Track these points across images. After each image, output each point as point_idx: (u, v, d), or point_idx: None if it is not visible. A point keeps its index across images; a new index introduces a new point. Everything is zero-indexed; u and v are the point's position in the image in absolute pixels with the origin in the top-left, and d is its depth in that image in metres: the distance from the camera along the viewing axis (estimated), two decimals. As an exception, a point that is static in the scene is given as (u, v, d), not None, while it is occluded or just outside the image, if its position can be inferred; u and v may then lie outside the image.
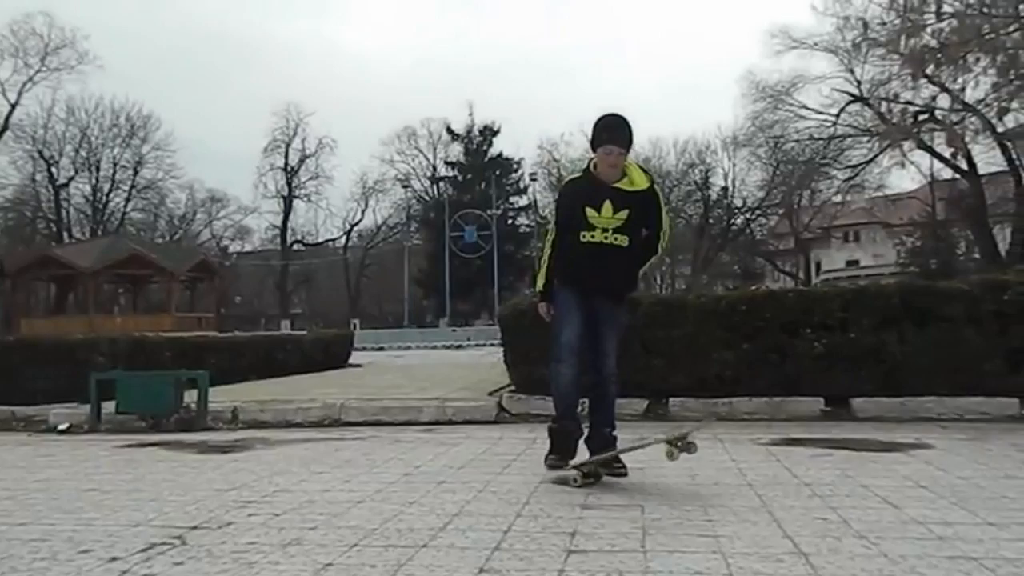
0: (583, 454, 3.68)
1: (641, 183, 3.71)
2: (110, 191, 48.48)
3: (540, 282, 3.90)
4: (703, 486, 3.46)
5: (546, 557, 2.42)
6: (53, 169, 45.64)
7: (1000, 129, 23.78)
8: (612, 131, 3.68)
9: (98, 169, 47.59)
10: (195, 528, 2.92)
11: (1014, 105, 20.42)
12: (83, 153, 46.97)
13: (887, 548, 2.42)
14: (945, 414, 5.55)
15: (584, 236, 3.65)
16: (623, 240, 3.67)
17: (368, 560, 2.45)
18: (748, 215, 47.60)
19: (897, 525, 2.70)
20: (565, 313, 3.74)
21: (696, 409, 5.93)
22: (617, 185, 3.67)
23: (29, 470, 4.53)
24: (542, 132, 68.01)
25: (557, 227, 3.84)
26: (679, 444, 3.41)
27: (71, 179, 46.89)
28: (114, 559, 2.53)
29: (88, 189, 47.89)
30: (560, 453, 3.69)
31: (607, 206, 3.63)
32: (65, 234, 45.98)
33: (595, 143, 3.70)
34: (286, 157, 54.86)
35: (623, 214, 3.64)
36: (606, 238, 3.65)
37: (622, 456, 3.74)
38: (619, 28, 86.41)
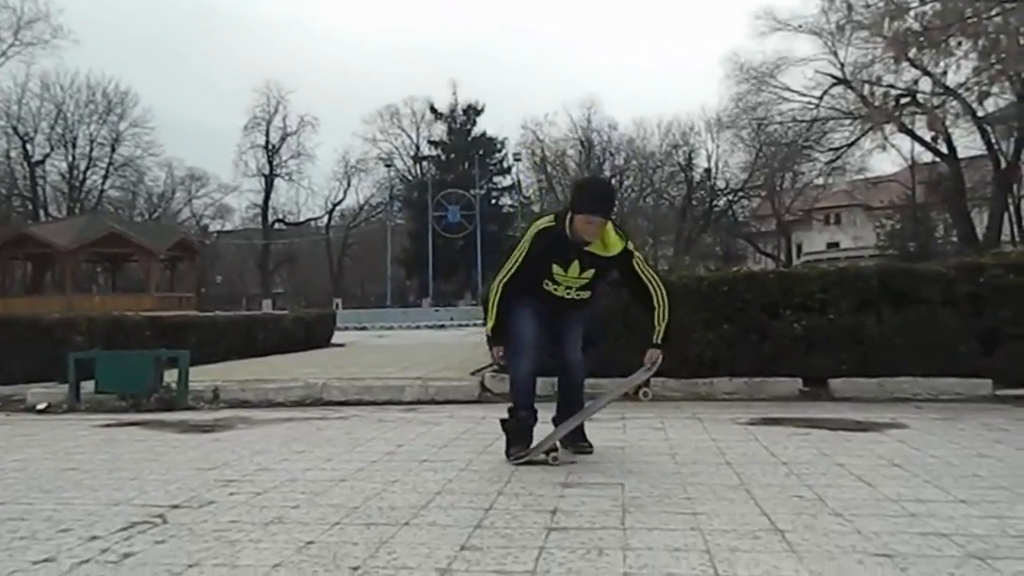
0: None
1: (616, 247, 3.56)
2: (87, 168, 47.83)
3: (490, 324, 3.68)
4: (683, 464, 3.50)
5: (527, 534, 2.45)
6: (28, 146, 44.94)
7: (980, 113, 24.04)
8: (600, 202, 3.52)
9: (74, 146, 46.94)
10: (176, 507, 2.92)
11: (994, 89, 20.62)
12: (59, 130, 46.31)
13: (861, 525, 2.47)
14: (920, 394, 5.64)
15: (547, 285, 3.59)
16: (585, 295, 3.64)
17: (350, 538, 2.46)
18: (731, 197, 47.89)
19: (871, 502, 2.75)
20: (520, 314, 3.61)
21: (677, 389, 5.98)
22: (590, 249, 3.53)
23: (7, 450, 4.49)
24: (526, 112, 67.75)
25: (516, 270, 3.60)
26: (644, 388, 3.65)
27: (47, 156, 46.19)
28: (94, 538, 2.53)
29: (64, 166, 47.28)
30: (521, 444, 3.61)
31: (575, 266, 3.55)
32: (41, 212, 45.36)
33: (578, 207, 3.47)
34: (267, 135, 54.44)
35: (589, 273, 3.57)
36: (567, 294, 3.60)
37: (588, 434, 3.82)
38: (604, 7, 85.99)
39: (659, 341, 3.60)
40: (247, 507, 2.90)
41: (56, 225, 37.21)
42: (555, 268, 3.56)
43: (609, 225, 3.54)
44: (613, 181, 39.24)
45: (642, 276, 3.61)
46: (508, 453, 3.65)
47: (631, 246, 3.59)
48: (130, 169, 49.43)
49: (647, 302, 3.62)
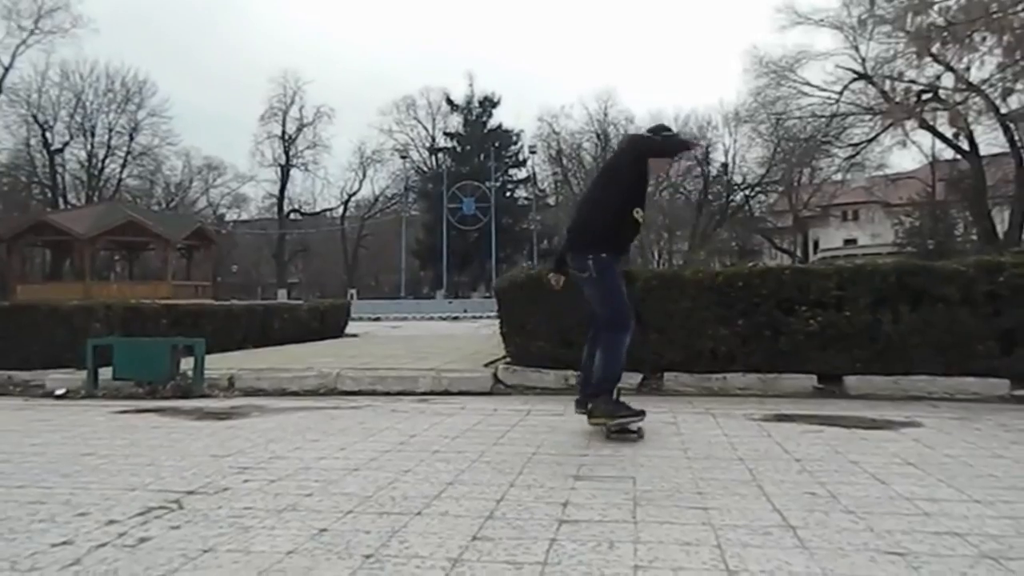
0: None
1: None
2: (105, 157, 48.22)
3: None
4: (695, 460, 3.50)
5: (538, 526, 2.46)
6: (48, 134, 45.33)
7: (1003, 110, 23.67)
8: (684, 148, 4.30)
9: (93, 135, 47.28)
10: (191, 493, 2.95)
11: (1018, 86, 20.27)
12: (78, 118, 46.68)
13: (874, 523, 2.46)
14: (936, 393, 5.59)
15: (637, 213, 4.03)
16: None
17: (363, 527, 2.48)
18: (747, 192, 47.55)
19: (884, 501, 2.74)
20: (619, 282, 4.05)
21: (690, 384, 5.97)
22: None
23: (26, 434, 4.56)
24: (542, 104, 67.64)
25: (629, 200, 4.00)
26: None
27: (66, 144, 46.59)
28: (111, 522, 2.56)
29: (83, 155, 47.66)
30: (634, 412, 3.96)
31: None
32: (60, 200, 45.77)
33: (671, 152, 4.13)
34: (283, 125, 54.73)
35: None
36: (640, 218, 4.08)
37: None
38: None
39: None
40: (261, 494, 2.93)
41: (75, 213, 37.49)
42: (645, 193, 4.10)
43: None
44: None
45: None
46: (628, 426, 3.94)
47: None
48: (148, 158, 49.83)
49: None
